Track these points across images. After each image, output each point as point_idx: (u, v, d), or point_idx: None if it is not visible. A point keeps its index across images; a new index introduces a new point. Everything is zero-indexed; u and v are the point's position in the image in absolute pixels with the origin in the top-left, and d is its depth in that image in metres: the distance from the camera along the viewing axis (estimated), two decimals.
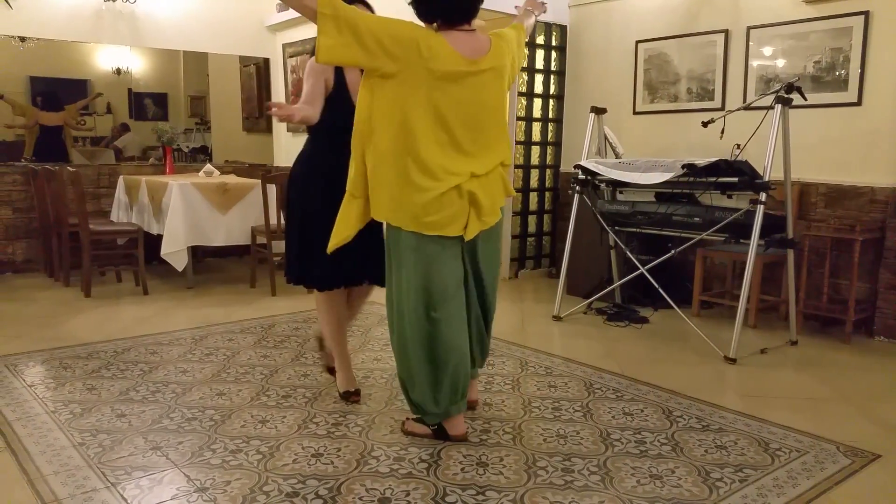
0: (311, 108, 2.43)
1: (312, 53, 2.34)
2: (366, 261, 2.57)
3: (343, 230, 2.22)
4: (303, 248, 2.59)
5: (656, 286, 3.75)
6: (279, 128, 6.29)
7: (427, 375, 2.24)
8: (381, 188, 2.15)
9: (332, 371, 2.83)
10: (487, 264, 2.35)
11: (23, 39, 5.23)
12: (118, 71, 5.80)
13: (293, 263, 2.63)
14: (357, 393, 2.70)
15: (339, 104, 2.49)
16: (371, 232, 2.37)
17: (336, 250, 2.27)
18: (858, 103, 3.83)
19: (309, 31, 5.72)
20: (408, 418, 2.44)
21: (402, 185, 2.11)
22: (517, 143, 5.20)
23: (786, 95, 3.35)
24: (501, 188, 2.30)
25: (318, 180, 2.56)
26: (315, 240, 2.48)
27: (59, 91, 5.64)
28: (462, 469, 2.14)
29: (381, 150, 2.12)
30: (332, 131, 2.48)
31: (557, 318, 4.08)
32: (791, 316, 3.69)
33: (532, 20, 2.64)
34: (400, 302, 2.24)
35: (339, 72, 2.52)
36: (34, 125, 5.54)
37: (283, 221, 4.63)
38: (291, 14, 5.71)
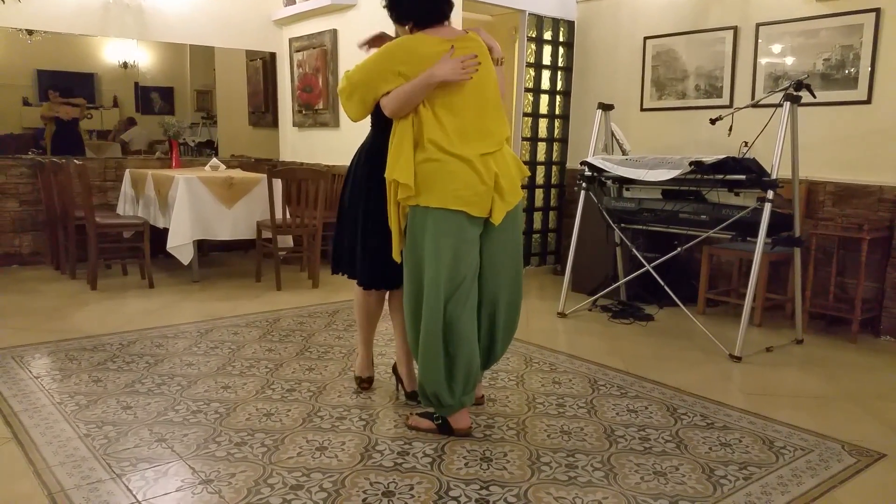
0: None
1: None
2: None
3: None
4: (361, 245, 2.49)
5: (662, 284, 3.74)
6: (285, 122, 6.30)
7: (443, 367, 2.24)
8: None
9: (411, 395, 2.66)
10: (507, 252, 2.35)
11: (30, 33, 5.24)
12: (125, 65, 5.81)
13: (346, 257, 2.56)
14: (370, 381, 2.77)
15: None
16: None
17: (383, 253, 2.38)
18: (868, 101, 3.80)
19: (315, 26, 5.72)
20: (412, 413, 2.45)
21: (425, 165, 2.17)
22: (523, 138, 5.19)
23: (794, 93, 3.33)
24: (515, 166, 2.34)
25: (379, 175, 2.35)
26: (373, 237, 2.43)
27: (69, 84, 5.66)
28: (466, 464, 2.14)
29: (403, 140, 2.20)
30: (383, 125, 2.37)
31: (562, 315, 4.08)
32: (797, 315, 3.67)
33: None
34: (419, 294, 2.24)
35: None
36: (52, 118, 5.59)
37: (290, 217, 4.66)
38: (298, 9, 5.70)
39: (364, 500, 1.91)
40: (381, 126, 2.38)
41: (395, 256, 2.32)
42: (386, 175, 2.22)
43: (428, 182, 2.17)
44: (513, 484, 2.02)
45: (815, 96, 3.45)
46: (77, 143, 5.72)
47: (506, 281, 2.36)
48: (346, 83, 2.30)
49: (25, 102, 5.48)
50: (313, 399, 2.65)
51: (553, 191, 5.49)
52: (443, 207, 2.17)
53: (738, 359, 3.29)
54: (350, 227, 2.52)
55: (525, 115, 5.16)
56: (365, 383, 2.76)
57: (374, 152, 2.41)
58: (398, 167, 2.18)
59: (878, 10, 3.72)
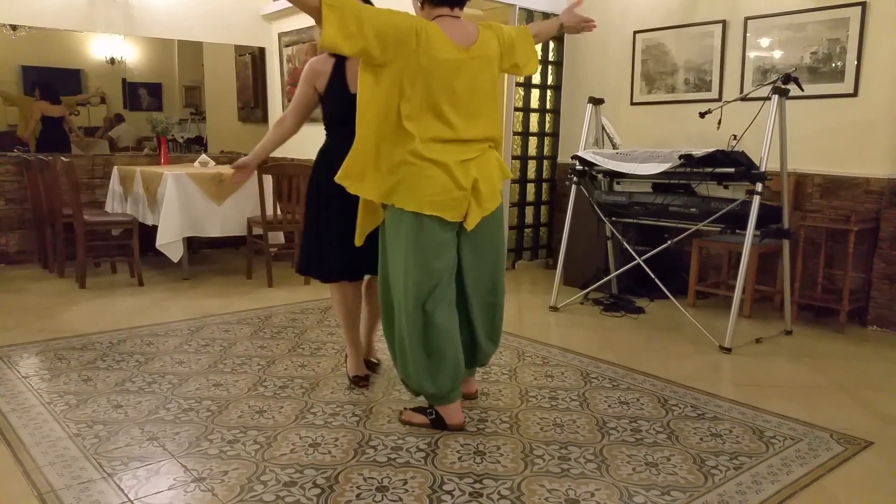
0: (280, 126, 2.68)
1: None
2: (373, 255, 2.56)
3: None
4: (318, 242, 2.64)
5: (652, 276, 3.76)
6: (275, 118, 6.26)
7: (425, 366, 2.24)
8: (383, 171, 2.18)
9: (369, 365, 2.89)
10: (483, 255, 2.34)
11: (14, 28, 5.18)
12: (112, 60, 5.75)
13: (303, 256, 2.71)
14: (367, 378, 2.78)
15: (337, 96, 2.57)
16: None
17: (344, 246, 2.51)
18: (854, 94, 3.83)
19: (305, 20, 5.68)
20: (405, 408, 2.45)
21: (403, 167, 2.14)
22: (514, 133, 5.19)
23: (783, 86, 3.35)
24: (498, 170, 2.31)
25: (329, 173, 2.51)
26: (325, 233, 2.61)
27: (54, 81, 5.61)
28: (459, 458, 2.15)
29: (382, 133, 2.15)
30: (337, 123, 2.59)
31: (554, 309, 4.09)
32: (786, 306, 3.70)
33: (550, 26, 2.67)
34: (397, 294, 2.24)
35: (338, 65, 2.58)
36: (38, 117, 5.52)
37: (281, 213, 4.64)
38: (287, 3, 5.67)
39: (358, 495, 1.92)
40: (328, 124, 2.64)
41: (358, 241, 2.32)
42: (352, 190, 2.20)
43: (404, 185, 2.14)
44: (506, 477, 2.03)
45: (802, 89, 3.47)
46: (62, 141, 5.67)
47: (480, 283, 2.34)
48: (360, 16, 2.01)
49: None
50: (306, 395, 2.65)
51: (544, 185, 5.50)
52: (417, 212, 2.15)
53: (728, 350, 3.31)
54: (311, 226, 2.65)
55: (516, 109, 5.16)
56: (363, 381, 2.76)
57: (325, 151, 2.63)
58: (364, 182, 2.17)
59: (863, 4, 3.75)
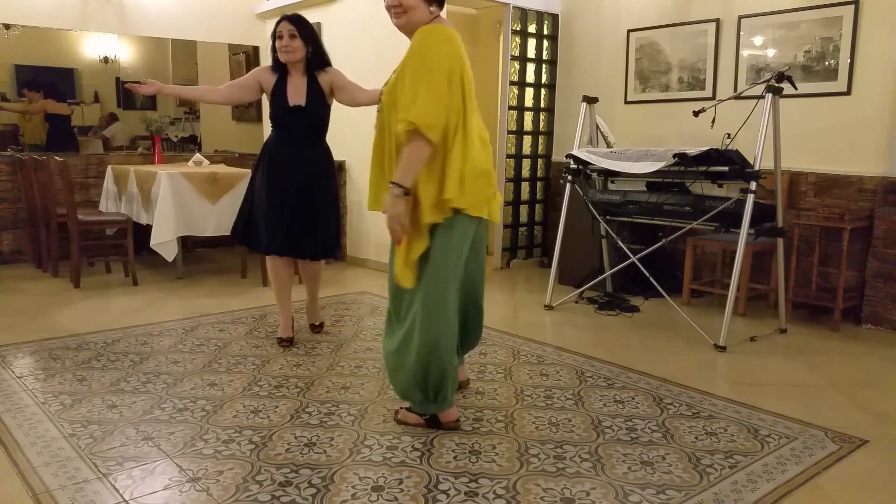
0: (211, 88, 3.24)
1: (271, 62, 3.09)
2: (301, 237, 3.12)
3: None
4: (260, 219, 3.15)
5: (647, 275, 3.77)
6: (269, 117, 6.25)
7: (438, 376, 2.26)
8: (444, 173, 2.14)
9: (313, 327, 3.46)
10: (480, 254, 2.40)
11: (7, 27, 5.15)
12: (105, 59, 5.73)
13: (252, 231, 3.28)
14: (290, 340, 3.26)
15: (277, 103, 3.11)
16: (309, 211, 3.08)
17: (274, 226, 3.08)
18: (848, 93, 3.85)
19: None
20: (401, 408, 2.45)
21: (465, 167, 2.14)
22: (509, 132, 5.20)
23: (776, 85, 3.36)
24: None
25: (261, 163, 3.18)
26: (260, 212, 3.15)
27: (49, 80, 5.58)
28: (455, 457, 2.15)
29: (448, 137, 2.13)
30: (276, 125, 3.17)
31: (549, 308, 4.10)
32: (780, 304, 3.72)
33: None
34: (444, 298, 2.18)
35: (280, 80, 3.10)
36: (40, 116, 5.49)
37: None
38: (281, 2, 5.66)
39: (353, 494, 1.91)
40: (274, 126, 3.17)
41: (409, 283, 2.18)
42: (448, 196, 2.12)
43: (468, 189, 2.15)
44: (502, 476, 2.03)
45: (796, 88, 3.48)
46: (71, 140, 5.65)
47: (473, 282, 2.39)
48: (434, 124, 2.05)
49: (4, 98, 5.39)
50: (301, 395, 2.65)
51: (539, 184, 5.50)
52: (472, 215, 2.20)
53: (723, 348, 3.32)
54: (246, 203, 3.26)
55: (510, 108, 5.16)
56: (285, 342, 3.24)
57: (265, 144, 3.20)
58: (453, 185, 2.11)
59: (856, 3, 3.76)
